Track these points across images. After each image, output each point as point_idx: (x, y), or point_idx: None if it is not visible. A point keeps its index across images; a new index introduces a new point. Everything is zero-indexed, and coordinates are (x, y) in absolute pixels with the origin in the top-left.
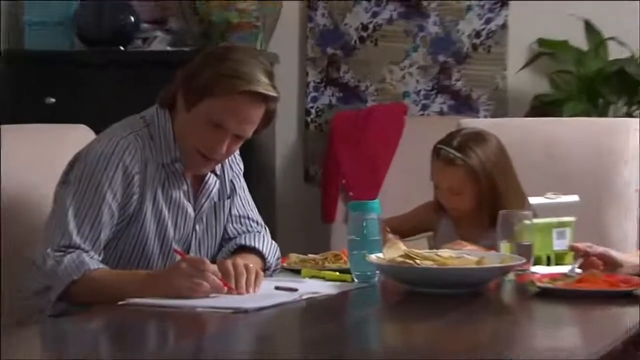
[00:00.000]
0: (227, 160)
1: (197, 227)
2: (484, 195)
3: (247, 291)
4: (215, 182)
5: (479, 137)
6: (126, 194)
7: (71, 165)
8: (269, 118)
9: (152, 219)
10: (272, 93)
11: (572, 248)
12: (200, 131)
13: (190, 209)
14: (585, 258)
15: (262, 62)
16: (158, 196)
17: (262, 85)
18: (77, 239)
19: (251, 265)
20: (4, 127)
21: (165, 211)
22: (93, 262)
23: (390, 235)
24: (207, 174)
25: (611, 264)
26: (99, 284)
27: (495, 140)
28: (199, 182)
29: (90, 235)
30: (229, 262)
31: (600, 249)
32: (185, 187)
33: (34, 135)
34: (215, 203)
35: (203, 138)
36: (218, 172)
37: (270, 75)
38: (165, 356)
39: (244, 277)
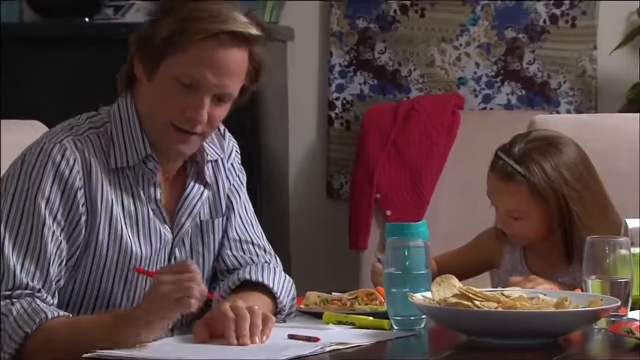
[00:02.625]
0: (223, 169)
1: (176, 253)
2: (556, 220)
3: (253, 341)
4: (202, 194)
5: (549, 143)
6: (70, 217)
7: (3, 182)
8: (256, 69)
9: (111, 247)
10: (255, 31)
11: None
12: (170, 99)
13: (165, 230)
14: None
15: (235, 2)
16: (116, 214)
17: (239, 23)
18: (22, 277)
19: (256, 307)
20: None
21: (127, 234)
22: (49, 308)
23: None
24: (190, 184)
25: None
26: (58, 336)
27: (572, 148)
28: (179, 194)
29: (38, 272)
30: (226, 304)
31: None
32: (157, 196)
33: None
34: (201, 222)
35: (175, 106)
36: (208, 181)
37: (249, 14)
38: None
39: (247, 322)
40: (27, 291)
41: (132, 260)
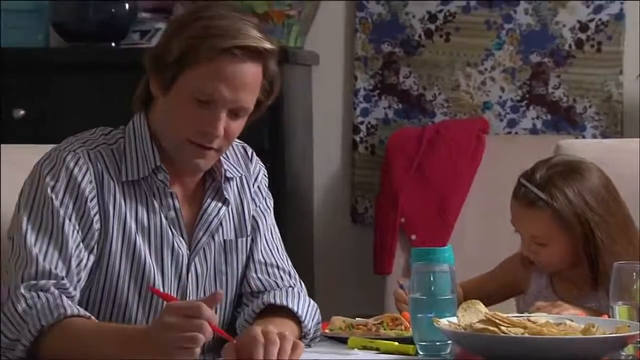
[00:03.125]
0: (248, 190)
1: (197, 267)
2: (580, 246)
3: None
4: (220, 210)
5: (571, 169)
6: (82, 222)
7: (21, 196)
8: (271, 83)
9: (124, 257)
10: (268, 45)
11: None
12: (185, 114)
13: (179, 243)
14: None
15: (247, 17)
16: (129, 225)
17: (254, 38)
18: (45, 265)
19: (287, 333)
20: None
21: (140, 244)
22: (71, 305)
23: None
24: (207, 201)
25: None
26: (74, 338)
27: (595, 173)
28: (198, 210)
29: (60, 262)
30: (257, 329)
31: None
32: (176, 204)
33: (3, 158)
34: (225, 242)
35: (191, 122)
36: (229, 199)
37: (261, 29)
38: None
39: (276, 348)
40: (51, 280)
41: (146, 271)
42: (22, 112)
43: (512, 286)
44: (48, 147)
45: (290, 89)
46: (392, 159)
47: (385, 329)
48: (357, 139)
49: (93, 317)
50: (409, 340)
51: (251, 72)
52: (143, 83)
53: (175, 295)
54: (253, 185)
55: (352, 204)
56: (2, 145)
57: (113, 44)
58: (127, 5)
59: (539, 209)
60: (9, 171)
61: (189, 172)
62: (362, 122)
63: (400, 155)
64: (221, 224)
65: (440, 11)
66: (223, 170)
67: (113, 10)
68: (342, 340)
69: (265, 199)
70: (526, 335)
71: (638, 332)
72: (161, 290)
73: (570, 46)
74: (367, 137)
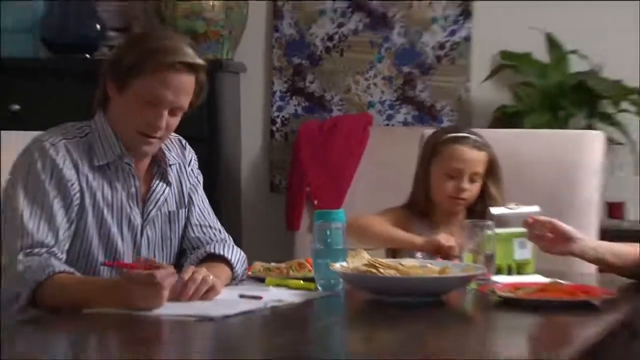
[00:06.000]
0: (184, 172)
1: (148, 234)
2: (482, 191)
3: (191, 299)
4: (164, 190)
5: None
6: (66, 200)
7: (11, 176)
8: (200, 88)
9: (95, 231)
10: (200, 61)
11: (525, 223)
12: (136, 112)
13: (136, 215)
14: (532, 227)
15: (185, 37)
16: (99, 203)
17: (189, 55)
18: (38, 237)
19: (211, 277)
20: None
21: (108, 218)
22: (57, 264)
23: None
24: (155, 182)
25: (562, 236)
26: (62, 289)
27: None
28: (147, 190)
29: (50, 232)
30: (191, 269)
31: (547, 219)
32: (133, 190)
33: (1, 142)
34: (170, 212)
35: (140, 118)
36: (170, 181)
37: (194, 47)
38: None
39: (195, 285)
40: (43, 248)
41: (110, 236)
42: (17, 106)
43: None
44: (35, 134)
45: (223, 91)
46: (300, 144)
47: (293, 271)
48: (274, 129)
49: (77, 272)
50: (311, 280)
51: (187, 81)
52: (100, 86)
53: (133, 253)
54: (187, 168)
55: (270, 178)
56: (3, 132)
57: (87, 55)
58: (98, 26)
59: (484, 151)
60: (7, 154)
61: (139, 156)
62: (277, 116)
63: (306, 141)
64: (166, 199)
65: (336, 33)
66: (167, 159)
67: (87, 29)
68: (261, 280)
69: (196, 177)
70: (397, 275)
71: (480, 273)
72: (121, 250)
73: (432, 60)
74: (282, 127)
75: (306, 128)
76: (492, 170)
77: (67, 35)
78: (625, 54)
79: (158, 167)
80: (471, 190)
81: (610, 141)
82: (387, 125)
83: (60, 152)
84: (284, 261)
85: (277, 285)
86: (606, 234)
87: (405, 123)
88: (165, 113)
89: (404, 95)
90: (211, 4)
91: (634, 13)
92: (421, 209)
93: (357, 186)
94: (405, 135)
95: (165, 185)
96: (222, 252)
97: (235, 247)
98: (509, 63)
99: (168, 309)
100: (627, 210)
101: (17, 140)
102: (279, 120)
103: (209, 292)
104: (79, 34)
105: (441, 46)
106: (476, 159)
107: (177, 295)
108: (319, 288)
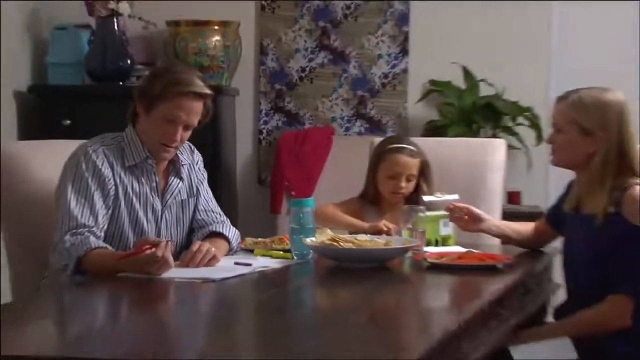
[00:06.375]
0: (193, 170)
1: (166, 217)
2: (417, 185)
3: (197, 266)
4: (178, 184)
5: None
6: (104, 193)
7: (63, 174)
8: (207, 110)
9: (126, 215)
10: (207, 91)
11: (447, 208)
12: (159, 128)
13: (157, 203)
14: (453, 212)
15: (196, 72)
16: (129, 194)
17: (199, 86)
18: (82, 220)
19: (213, 249)
20: (35, 142)
21: (137, 205)
22: (94, 241)
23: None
24: (171, 178)
25: (474, 217)
26: (95, 262)
27: None
28: (165, 183)
29: (91, 216)
30: (198, 242)
31: (464, 204)
32: (154, 184)
33: (56, 149)
34: (183, 200)
35: (162, 132)
36: (183, 177)
37: (204, 80)
38: (152, 314)
39: (200, 255)
40: (85, 228)
41: (138, 219)
42: (68, 122)
43: (355, 216)
44: (81, 141)
45: (223, 110)
46: (280, 150)
47: (275, 244)
48: (261, 138)
49: (110, 247)
50: (289, 251)
51: (197, 106)
52: (131, 106)
53: (154, 232)
54: (195, 167)
55: (258, 175)
56: (58, 140)
57: (121, 83)
58: (128, 61)
59: (417, 158)
60: (63, 157)
61: (160, 160)
62: (263, 129)
63: (285, 147)
64: (179, 191)
65: (307, 66)
66: (180, 160)
67: (121, 63)
68: (251, 251)
69: (202, 174)
70: (353, 247)
71: (414, 245)
72: (146, 230)
73: (378, 86)
74: (267, 137)
75: (285, 137)
76: (423, 171)
77: (105, 67)
78: (521, 81)
79: (173, 167)
80: (407, 187)
81: (510, 147)
82: (346, 135)
83: (100, 155)
84: (269, 237)
85: (263, 255)
86: (506, 216)
87: (359, 133)
88: (180, 129)
89: (358, 113)
90: (214, 44)
91: (528, 51)
92: (371, 199)
93: (324, 180)
94: (359, 143)
95: (179, 180)
96: (221, 230)
97: (231, 226)
98: (436, 88)
99: (180, 274)
100: (522, 198)
101: (68, 147)
102: (264, 131)
103: (211, 260)
104: (115, 66)
105: (385, 76)
106: (411, 164)
107: (188, 262)
108: (295, 257)
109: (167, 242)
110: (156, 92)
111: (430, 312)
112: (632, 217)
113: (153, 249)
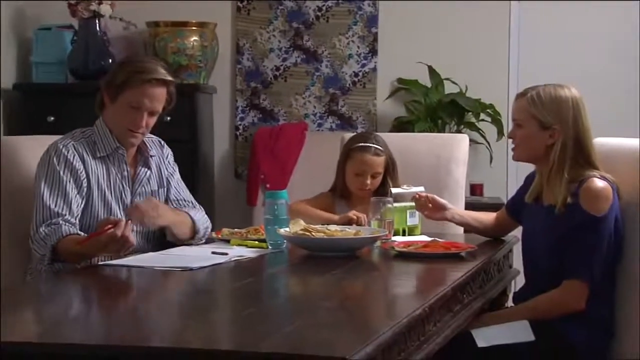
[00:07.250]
0: (162, 163)
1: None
2: (384, 179)
3: (138, 213)
4: (147, 173)
5: (384, 140)
6: (77, 184)
7: (36, 171)
8: (171, 97)
9: (100, 205)
10: (170, 78)
11: (413, 198)
12: (125, 115)
13: (127, 192)
14: (418, 201)
15: (159, 62)
16: (101, 184)
17: (162, 74)
18: (55, 209)
19: (156, 200)
20: (21, 137)
21: (109, 195)
22: (66, 229)
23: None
24: (139, 168)
25: (439, 207)
26: (67, 248)
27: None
28: (134, 172)
29: (64, 205)
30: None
31: (429, 195)
32: (125, 173)
33: (40, 144)
34: (153, 191)
35: (128, 119)
36: (152, 167)
37: (167, 68)
38: (131, 301)
39: (142, 206)
40: (59, 218)
41: (108, 206)
42: (52, 118)
43: (326, 209)
44: (59, 136)
45: (200, 107)
46: (256, 144)
47: (251, 235)
48: (237, 133)
49: (82, 233)
50: (264, 240)
51: (161, 93)
52: (98, 97)
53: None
54: (165, 160)
55: (235, 168)
56: (42, 136)
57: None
58: (110, 59)
59: (382, 156)
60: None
61: (128, 146)
62: (240, 125)
63: (260, 142)
64: (149, 180)
65: (282, 65)
66: (148, 149)
67: (102, 62)
68: (227, 241)
69: (173, 167)
70: (324, 237)
71: (383, 235)
72: (118, 217)
73: (349, 85)
74: (243, 132)
75: (260, 133)
76: (389, 167)
77: (87, 66)
78: (483, 80)
79: (142, 156)
80: (373, 184)
81: (473, 142)
82: (318, 130)
83: (70, 150)
84: (245, 228)
85: (239, 244)
86: (469, 207)
87: (331, 129)
88: (145, 115)
89: (330, 109)
90: (192, 44)
91: (489, 51)
92: (341, 193)
93: (297, 174)
94: (331, 138)
95: (147, 169)
96: (188, 212)
97: (203, 214)
98: (403, 86)
99: (158, 262)
100: (484, 190)
101: (50, 140)
102: (241, 127)
103: (154, 210)
104: (96, 65)
105: (356, 75)
106: (376, 162)
107: (129, 214)
108: (269, 247)
109: (127, 220)
110: (121, 80)
111: (397, 297)
112: (589, 208)
113: (113, 229)
